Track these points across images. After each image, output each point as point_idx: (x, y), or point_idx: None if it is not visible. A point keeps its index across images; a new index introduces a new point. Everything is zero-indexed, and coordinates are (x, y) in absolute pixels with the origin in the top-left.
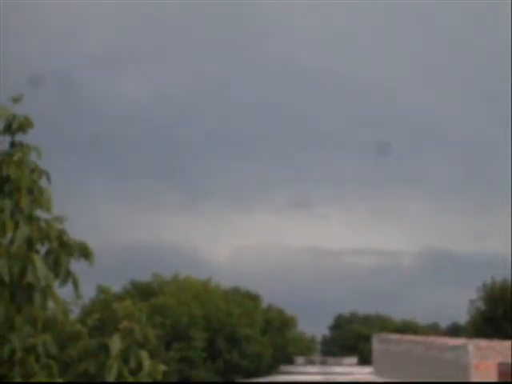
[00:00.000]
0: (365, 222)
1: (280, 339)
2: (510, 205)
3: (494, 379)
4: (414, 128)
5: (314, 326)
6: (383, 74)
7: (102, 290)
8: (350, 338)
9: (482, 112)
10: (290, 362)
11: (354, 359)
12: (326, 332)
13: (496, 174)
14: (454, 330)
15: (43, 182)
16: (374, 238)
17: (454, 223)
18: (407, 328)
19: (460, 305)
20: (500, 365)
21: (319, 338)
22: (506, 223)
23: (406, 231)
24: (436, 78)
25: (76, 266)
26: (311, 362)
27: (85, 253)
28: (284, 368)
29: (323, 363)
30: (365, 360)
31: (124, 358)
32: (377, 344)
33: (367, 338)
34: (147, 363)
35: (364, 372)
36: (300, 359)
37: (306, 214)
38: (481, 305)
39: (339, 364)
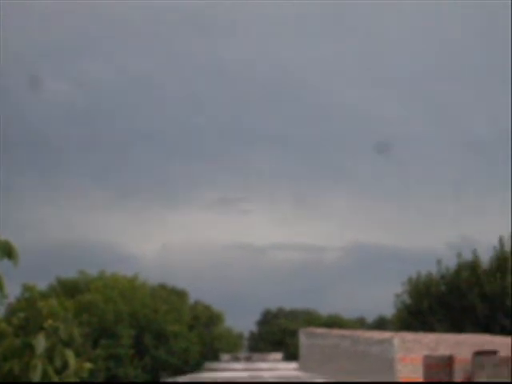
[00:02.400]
0: (289, 217)
1: (207, 335)
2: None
3: (420, 372)
4: (340, 123)
5: (242, 322)
6: (314, 71)
7: (27, 288)
8: (277, 333)
9: (416, 108)
10: (216, 358)
11: (278, 355)
12: (254, 327)
13: (419, 169)
14: (381, 324)
15: None
16: (299, 233)
17: (379, 218)
18: (334, 322)
19: (386, 299)
20: (426, 357)
21: (247, 334)
22: (428, 218)
23: (332, 226)
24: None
25: (0, 263)
26: (236, 359)
27: (9, 252)
28: (209, 365)
29: (248, 359)
30: (292, 355)
31: (49, 357)
32: (304, 339)
33: (294, 333)
34: (73, 362)
35: (289, 368)
36: (225, 356)
37: (231, 210)
38: (406, 298)
39: (264, 360)
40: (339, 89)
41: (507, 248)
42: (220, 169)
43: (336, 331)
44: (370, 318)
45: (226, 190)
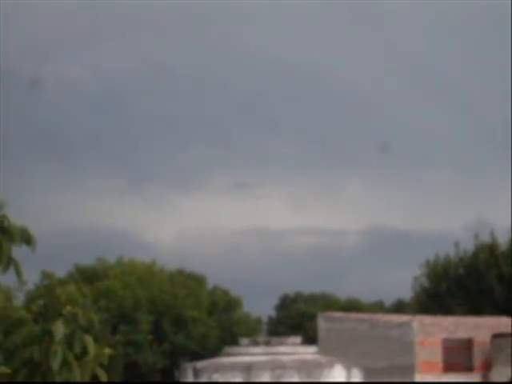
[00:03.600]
0: (306, 201)
1: (226, 320)
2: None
3: (439, 355)
4: (354, 109)
5: (260, 307)
6: (328, 59)
7: (45, 275)
8: (296, 318)
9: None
10: (235, 343)
11: (297, 339)
12: (272, 312)
13: (433, 152)
14: (399, 307)
15: None
16: (317, 218)
17: (395, 201)
18: (352, 306)
19: (404, 282)
20: (444, 340)
21: (265, 318)
22: (445, 201)
23: (348, 210)
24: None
25: (19, 250)
26: (255, 343)
27: (26, 239)
28: (228, 349)
29: (267, 344)
30: (310, 339)
31: (68, 343)
32: (322, 323)
33: (313, 317)
34: (92, 348)
35: (308, 351)
36: (244, 340)
37: (248, 195)
38: (424, 281)
39: (283, 344)
40: (352, 77)
41: None
42: (235, 154)
43: (354, 315)
44: (389, 301)
45: (242, 176)
